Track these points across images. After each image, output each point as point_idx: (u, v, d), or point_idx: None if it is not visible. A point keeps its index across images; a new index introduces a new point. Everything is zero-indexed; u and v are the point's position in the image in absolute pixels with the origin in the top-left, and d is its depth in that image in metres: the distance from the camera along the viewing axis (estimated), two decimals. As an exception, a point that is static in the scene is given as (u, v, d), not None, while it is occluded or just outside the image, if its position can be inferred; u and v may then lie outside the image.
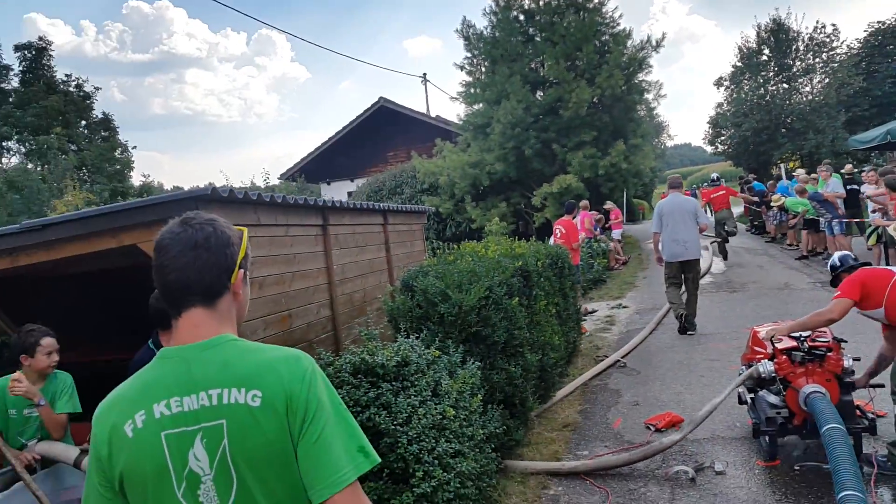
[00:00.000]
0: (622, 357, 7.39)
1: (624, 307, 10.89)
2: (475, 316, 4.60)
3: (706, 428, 5.04)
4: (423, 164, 20.72)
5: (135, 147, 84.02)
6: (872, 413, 4.80)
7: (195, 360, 1.40)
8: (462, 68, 20.45)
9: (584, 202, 15.85)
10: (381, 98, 27.01)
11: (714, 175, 17.29)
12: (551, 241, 11.56)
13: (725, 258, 14.85)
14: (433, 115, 29.07)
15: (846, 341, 4.48)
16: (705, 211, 22.86)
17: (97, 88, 32.69)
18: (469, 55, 20.17)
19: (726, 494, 4.04)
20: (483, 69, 20.02)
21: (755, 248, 16.74)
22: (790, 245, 15.71)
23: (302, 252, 5.15)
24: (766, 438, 4.45)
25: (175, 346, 1.44)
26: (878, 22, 27.90)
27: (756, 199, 18.36)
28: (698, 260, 8.57)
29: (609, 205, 17.81)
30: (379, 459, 1.43)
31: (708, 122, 30.42)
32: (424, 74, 33.56)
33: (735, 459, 4.54)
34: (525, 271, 5.84)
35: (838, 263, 4.68)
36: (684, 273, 8.54)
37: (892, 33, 27.08)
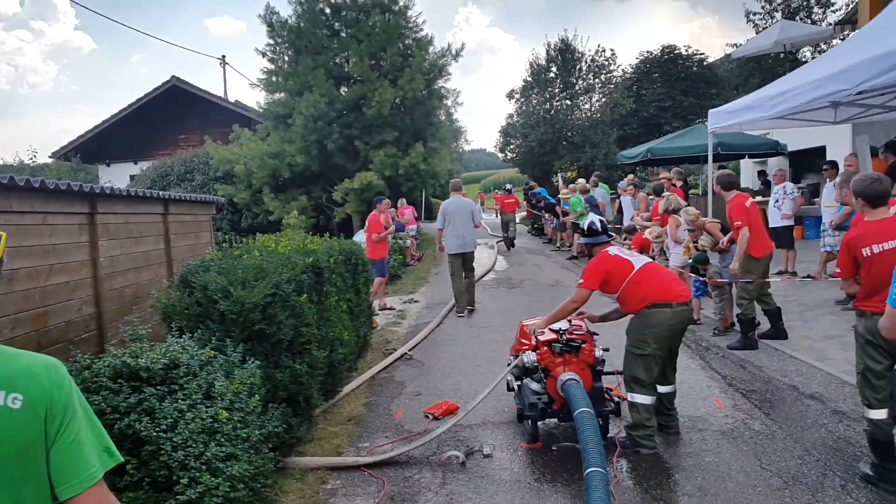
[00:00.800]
0: (409, 350, 7.66)
1: (415, 301, 11.28)
2: (259, 314, 4.51)
3: (478, 414, 5.41)
4: (218, 151, 19.71)
5: None
6: (619, 397, 5.49)
7: None
8: (264, 55, 19.78)
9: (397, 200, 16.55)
10: (173, 77, 25.23)
11: (508, 185, 22.03)
12: (359, 236, 11.69)
13: (511, 247, 18.00)
14: (232, 100, 27.76)
15: (598, 334, 5.05)
16: (496, 214, 24.69)
17: None
18: (272, 42, 19.57)
19: (492, 476, 4.37)
20: (286, 58, 19.54)
21: (534, 249, 18.21)
22: (560, 247, 17.30)
23: (63, 243, 4.68)
24: (529, 422, 4.88)
25: None
26: (648, 52, 31.70)
27: (541, 204, 19.98)
28: (473, 252, 10.13)
29: (401, 202, 18.32)
30: (122, 459, 1.56)
31: (499, 131, 32.45)
32: (223, 56, 31.89)
33: (502, 442, 4.93)
34: (317, 268, 5.83)
35: (586, 230, 5.05)
36: (465, 264, 9.98)
37: (657, 63, 30.87)
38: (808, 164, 16.88)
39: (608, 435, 4.80)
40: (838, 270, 4.11)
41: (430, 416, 5.53)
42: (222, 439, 3.58)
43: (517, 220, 20.48)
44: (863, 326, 3.91)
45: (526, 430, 4.98)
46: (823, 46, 19.87)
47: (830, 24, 19.60)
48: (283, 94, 19.12)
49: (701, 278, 8.23)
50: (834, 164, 9.92)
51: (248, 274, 4.70)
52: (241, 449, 3.73)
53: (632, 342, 4.63)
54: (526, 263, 15.35)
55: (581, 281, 4.77)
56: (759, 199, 13.73)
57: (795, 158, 16.91)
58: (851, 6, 16.32)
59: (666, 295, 4.51)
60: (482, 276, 13.54)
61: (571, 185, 17.81)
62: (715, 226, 8.14)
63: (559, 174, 25.50)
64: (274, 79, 19.36)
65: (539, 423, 4.94)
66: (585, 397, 4.36)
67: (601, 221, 5.08)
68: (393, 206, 19.00)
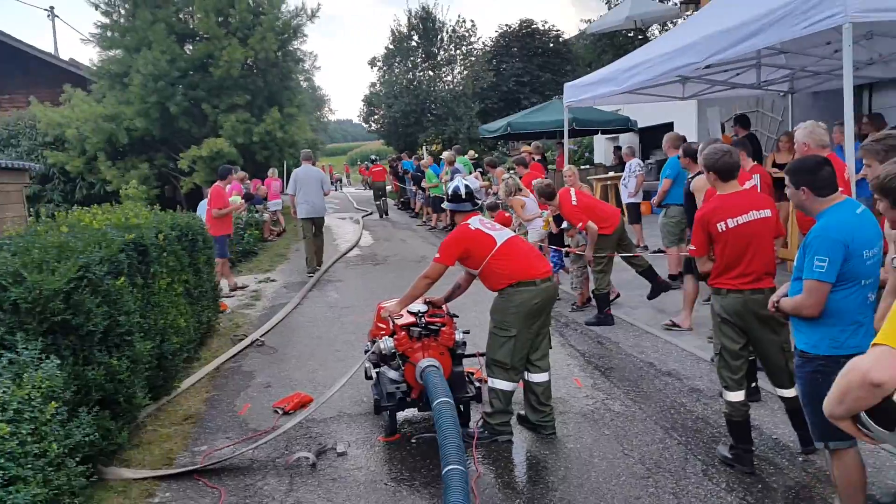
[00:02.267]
0: (261, 336, 7.04)
1: (272, 281, 10.55)
2: (61, 302, 3.76)
3: (333, 406, 4.98)
4: (47, 114, 17.56)
5: None
6: (480, 380, 5.25)
7: None
8: (97, 7, 17.73)
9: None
10: (-10, 29, 22.10)
11: (372, 156, 25.12)
12: (201, 209, 10.62)
13: (386, 215, 19.29)
14: (66, 58, 24.85)
15: (458, 316, 4.76)
16: (365, 186, 25.01)
17: None
18: (106, -8, 17.56)
19: (345, 478, 3.97)
20: (123, 11, 17.63)
21: (400, 223, 17.89)
22: (426, 221, 17.09)
23: None
24: (387, 414, 4.52)
25: None
26: (507, 25, 32.00)
27: (408, 175, 19.69)
28: (323, 217, 11.13)
29: (271, 172, 17.29)
30: None
31: (362, 101, 31.63)
32: (52, 8, 28.50)
33: (358, 437, 4.53)
34: (140, 245, 5.07)
35: (450, 195, 4.64)
36: (315, 226, 10.85)
37: (515, 37, 31.26)
38: (657, 140, 17.72)
39: (469, 422, 4.55)
40: (692, 248, 4.04)
41: (280, 411, 5.01)
42: (2, 460, 2.90)
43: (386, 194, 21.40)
44: (719, 305, 3.86)
45: (384, 421, 4.61)
46: (670, 25, 20.88)
47: (676, 4, 20.61)
48: (119, 52, 17.26)
49: (560, 249, 8.23)
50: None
51: (47, 254, 3.92)
52: (34, 468, 3.05)
53: (496, 323, 4.34)
54: (392, 238, 14.97)
55: (437, 255, 4.41)
56: (611, 174, 14.21)
57: (645, 135, 17.68)
58: (694, -12, 17.16)
59: (529, 272, 4.25)
60: (346, 252, 13.00)
61: (427, 157, 17.67)
62: (518, 202, 8.22)
63: (424, 147, 25.26)
64: (109, 34, 17.45)
65: (398, 413, 4.59)
66: (444, 386, 4.06)
67: (467, 187, 4.64)
68: (255, 176, 17.90)
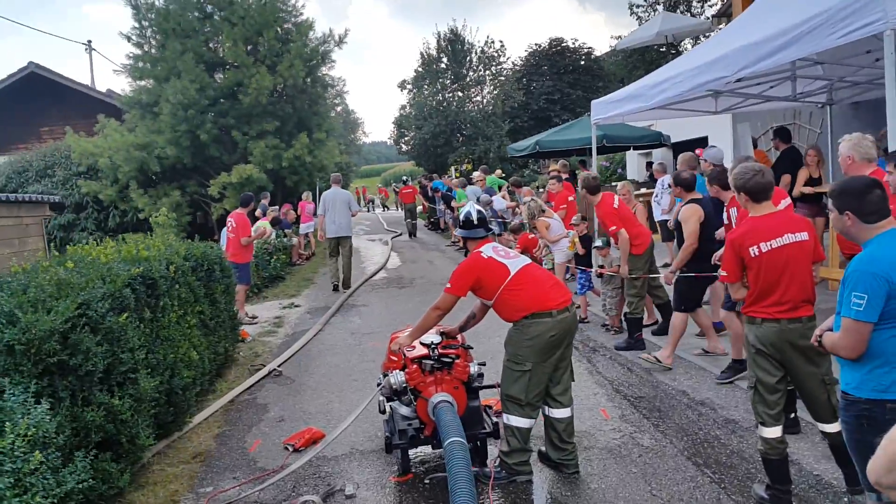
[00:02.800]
0: (278, 365, 6.88)
1: (296, 306, 10.43)
2: (57, 343, 3.64)
3: (345, 442, 4.76)
4: (80, 144, 17.90)
5: None
6: (498, 412, 4.98)
7: None
8: (129, 39, 18.08)
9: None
10: (30, 63, 22.78)
11: (403, 177, 26.06)
12: (224, 234, 10.59)
13: (414, 235, 19.58)
14: (104, 89, 25.52)
15: (472, 347, 4.51)
16: (398, 207, 25.41)
17: None
18: (137, 25, 17.91)
19: (352, 523, 3.73)
20: (154, 42, 17.96)
21: (429, 243, 17.72)
22: (455, 241, 16.84)
23: None
24: (399, 452, 4.28)
25: None
26: (536, 44, 31.92)
27: (438, 195, 19.62)
28: (350, 237, 11.50)
29: (305, 196, 17.34)
30: None
31: (393, 123, 31.76)
32: (89, 42, 29.34)
33: (369, 477, 4.30)
34: (149, 279, 4.96)
35: (462, 222, 4.41)
36: (340, 246, 11.32)
37: (545, 56, 31.14)
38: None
39: (487, 460, 4.28)
40: (724, 273, 3.73)
41: (291, 448, 4.81)
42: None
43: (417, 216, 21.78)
44: (753, 335, 3.55)
45: (396, 459, 4.37)
46: (703, 39, 20.48)
47: (708, 18, 20.23)
48: (150, 81, 17.56)
49: (588, 270, 7.92)
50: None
51: (44, 293, 3.81)
52: (16, 526, 2.90)
53: (509, 356, 4.07)
54: (419, 260, 14.79)
55: (448, 285, 4.15)
56: (643, 191, 13.83)
57: (678, 149, 17.23)
58: (726, 0, 16.79)
59: (544, 303, 3.97)
60: (373, 275, 12.86)
61: (460, 178, 17.58)
62: (542, 224, 7.94)
63: (454, 167, 25.16)
64: (140, 64, 17.76)
65: (410, 450, 4.35)
66: (457, 424, 3.81)
67: (479, 212, 4.41)
68: (285, 201, 17.98)
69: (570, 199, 10.07)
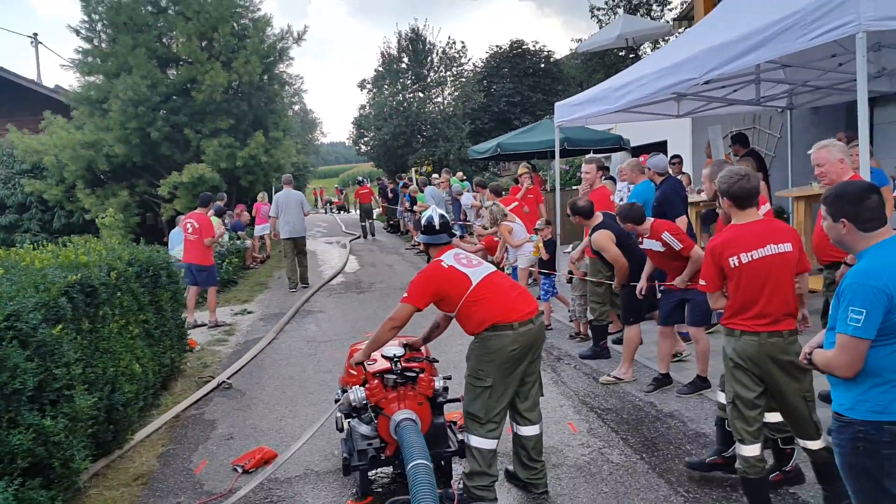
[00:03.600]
0: (228, 377, 6.51)
1: (249, 312, 10.02)
2: (-24, 359, 3.27)
3: (299, 462, 4.47)
4: (24, 141, 17.07)
5: None
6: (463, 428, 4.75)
7: None
8: (78, 33, 17.29)
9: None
10: (-31, 56, 21.73)
11: (359, 178, 26.07)
12: (176, 237, 10.13)
13: (372, 236, 19.80)
14: (51, 84, 24.48)
15: (438, 360, 4.27)
16: (354, 208, 25.18)
17: None
18: (87, 18, 17.14)
19: (306, 554, 3.45)
20: (104, 36, 17.23)
21: (388, 246, 17.41)
22: (416, 245, 16.60)
23: None
24: (358, 474, 4.00)
25: None
26: (497, 46, 31.81)
27: (391, 197, 19.37)
28: (304, 237, 11.84)
29: (260, 197, 16.87)
30: None
31: (352, 123, 31.29)
32: (35, 35, 28.13)
33: (325, 502, 4.01)
34: (88, 287, 4.59)
35: (423, 227, 4.16)
36: (296, 247, 11.60)
37: (506, 58, 31.07)
38: (650, 159, 17.37)
39: (451, 480, 4.04)
40: (702, 283, 3.57)
41: (240, 469, 4.48)
42: None
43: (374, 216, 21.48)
44: (731, 348, 3.39)
45: (355, 481, 4.10)
46: (662, 43, 20.66)
47: (668, 21, 20.40)
48: (100, 77, 16.83)
49: (553, 274, 7.75)
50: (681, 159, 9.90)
51: (-38, 305, 3.43)
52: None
53: (470, 371, 3.79)
54: (378, 264, 14.47)
55: (405, 295, 3.84)
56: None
57: (637, 153, 17.32)
58: (687, 3, 16.92)
59: (507, 315, 3.70)
60: (329, 280, 12.50)
61: (421, 180, 17.36)
62: (505, 228, 7.82)
63: (415, 170, 24.86)
64: (89, 59, 17.00)
65: (370, 472, 4.09)
66: (422, 444, 3.56)
67: (441, 216, 4.15)
68: (239, 201, 17.45)
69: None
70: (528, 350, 3.75)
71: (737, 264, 3.35)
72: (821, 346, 2.62)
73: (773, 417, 3.63)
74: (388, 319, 3.84)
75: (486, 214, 8.43)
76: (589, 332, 7.04)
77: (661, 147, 15.44)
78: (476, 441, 3.73)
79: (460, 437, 4.21)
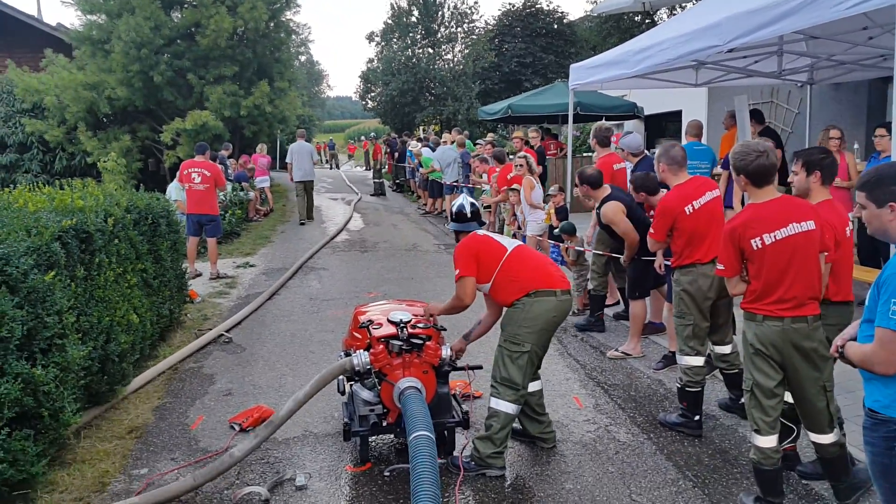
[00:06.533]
0: (227, 330, 6.40)
1: (251, 266, 9.88)
2: (-35, 304, 3.13)
3: (299, 423, 4.37)
4: (24, 79, 16.62)
5: None
6: (471, 394, 4.66)
7: None
8: (79, -33, 16.77)
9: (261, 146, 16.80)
10: (-33, -11, 21.10)
11: (372, 133, 25.30)
12: (176, 186, 9.91)
13: (382, 195, 19.24)
14: (54, 22, 23.93)
15: (445, 329, 4.13)
16: (370, 160, 25.09)
17: None
18: (90, -47, 16.60)
19: (302, 519, 3.36)
20: (106, -27, 16.70)
21: (393, 206, 17.18)
22: (424, 205, 16.39)
23: None
24: (358, 439, 3.91)
25: None
26: (510, 4, 30.99)
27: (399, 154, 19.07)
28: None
29: (259, 148, 16.59)
30: None
31: (360, 77, 30.74)
32: (37, -32, 27.34)
33: (322, 466, 3.92)
34: (83, 232, 4.43)
35: (454, 214, 4.22)
36: (305, 189, 14.14)
37: (518, 17, 30.31)
38: (662, 128, 17.04)
39: (454, 450, 3.94)
40: (720, 267, 3.38)
41: (237, 427, 4.39)
42: None
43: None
44: (752, 333, 3.24)
45: (354, 446, 4.00)
46: (679, 10, 20.09)
47: (689, -12, 19.80)
48: (102, 16, 16.37)
49: (558, 245, 7.59)
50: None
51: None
52: None
53: (507, 336, 3.80)
54: (383, 223, 14.26)
55: (456, 271, 3.87)
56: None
57: (650, 122, 17.00)
58: (709, -29, 16.36)
59: (549, 281, 3.79)
60: (333, 237, 12.31)
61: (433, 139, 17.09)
62: (529, 183, 7.67)
63: (422, 128, 24.51)
64: (91, -5, 16.51)
65: (371, 438, 3.99)
66: (425, 414, 3.45)
67: (472, 205, 4.21)
68: (242, 152, 17.17)
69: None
70: (561, 320, 3.88)
71: (759, 246, 3.18)
72: (854, 339, 2.47)
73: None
74: (455, 298, 3.91)
75: (516, 161, 8.24)
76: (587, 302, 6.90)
77: (675, 117, 15.13)
78: (505, 406, 3.75)
79: (465, 407, 4.11)
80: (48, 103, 16.17)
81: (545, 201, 8.13)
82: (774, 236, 3.17)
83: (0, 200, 4.54)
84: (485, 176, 10.99)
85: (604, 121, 13.12)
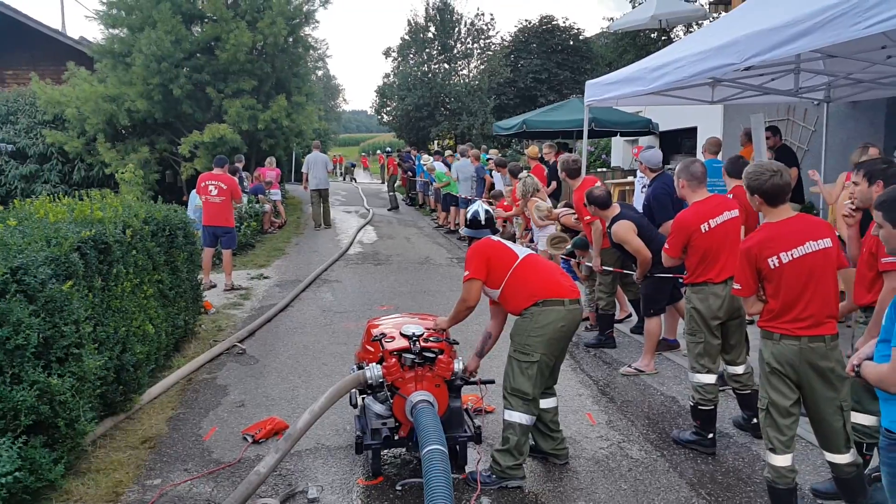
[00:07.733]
0: (240, 341, 6.44)
1: (265, 278, 9.94)
2: (-20, 312, 3.18)
3: (311, 436, 4.36)
4: (47, 91, 16.93)
5: None
6: (483, 408, 4.66)
7: None
8: (104, -17, 17.10)
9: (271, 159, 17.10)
10: (-5, 2, 21.55)
11: (388, 148, 27.67)
12: (196, 200, 10.02)
13: (396, 209, 19.08)
14: (76, 36, 24.35)
15: (458, 343, 4.13)
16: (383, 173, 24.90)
17: None
18: (114, -30, 16.93)
19: (313, 532, 3.36)
20: (130, -11, 17.01)
21: (406, 220, 17.24)
22: (437, 218, 16.43)
23: None
24: (370, 453, 3.91)
25: None
26: (526, 20, 31.18)
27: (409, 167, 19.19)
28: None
29: (268, 162, 16.75)
30: None
31: (376, 91, 30.97)
32: (62, -16, 27.88)
33: (335, 479, 3.92)
34: (102, 243, 4.49)
35: (468, 221, 4.27)
36: (321, 197, 15.28)
37: (534, 33, 30.48)
38: (677, 144, 17.00)
39: (465, 466, 3.93)
40: (737, 287, 3.37)
41: (250, 439, 4.41)
42: None
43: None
44: (769, 352, 3.22)
45: (366, 459, 4.01)
46: (696, 27, 20.13)
47: (704, 5, 19.85)
48: (124, 30, 16.66)
49: (569, 260, 7.57)
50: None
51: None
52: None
53: (516, 347, 3.81)
54: (396, 236, 14.32)
55: (466, 273, 3.92)
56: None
57: (665, 138, 16.97)
58: (726, -12, 16.39)
59: (557, 290, 3.79)
60: (346, 249, 12.36)
61: (447, 153, 17.19)
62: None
63: (436, 142, 24.61)
64: (114, 11, 16.80)
65: (383, 451, 3.99)
66: (438, 428, 3.45)
67: (486, 212, 4.25)
68: (259, 164, 17.32)
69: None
70: (571, 329, 3.87)
71: (777, 265, 3.16)
72: (870, 358, 2.46)
73: (862, 419, 3.45)
74: (460, 301, 3.96)
75: (519, 186, 8.22)
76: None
77: (690, 133, 15.10)
78: (519, 417, 3.76)
79: (477, 422, 4.11)
80: (69, 115, 16.44)
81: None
82: (791, 255, 3.16)
83: (22, 211, 4.62)
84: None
85: (571, 152, 13.04)
